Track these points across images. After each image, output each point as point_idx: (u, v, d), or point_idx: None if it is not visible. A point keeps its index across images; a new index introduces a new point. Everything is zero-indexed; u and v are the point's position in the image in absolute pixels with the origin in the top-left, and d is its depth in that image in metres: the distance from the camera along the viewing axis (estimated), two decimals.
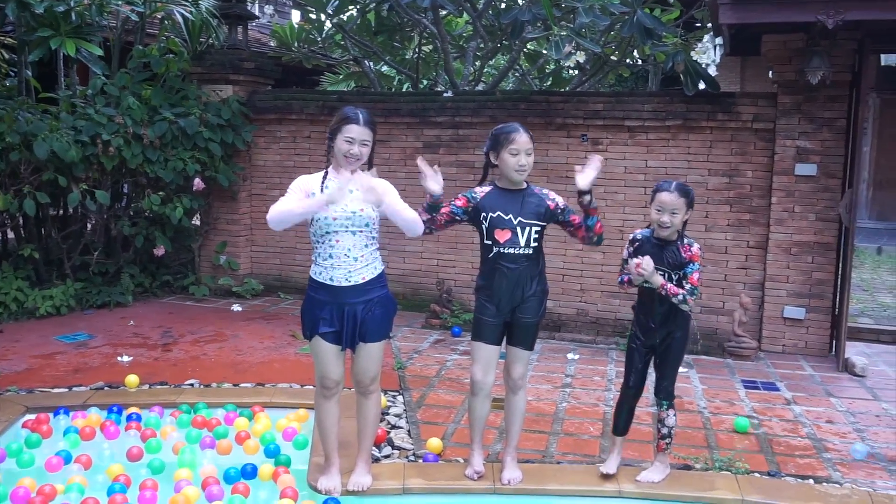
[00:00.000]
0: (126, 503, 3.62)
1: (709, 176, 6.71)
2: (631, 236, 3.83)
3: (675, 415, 3.90)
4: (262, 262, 8.36)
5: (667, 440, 3.90)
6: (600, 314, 7.11)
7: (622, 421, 3.96)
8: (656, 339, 3.80)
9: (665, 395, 3.86)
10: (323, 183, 3.63)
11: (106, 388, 5.20)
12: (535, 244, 3.73)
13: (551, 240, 6.15)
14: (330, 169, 3.67)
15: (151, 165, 7.25)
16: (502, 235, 3.69)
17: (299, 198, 3.58)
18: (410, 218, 3.66)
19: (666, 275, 3.68)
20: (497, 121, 7.14)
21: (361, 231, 3.64)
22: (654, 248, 3.71)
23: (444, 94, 7.70)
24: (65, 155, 6.53)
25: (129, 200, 7.80)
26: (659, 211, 3.64)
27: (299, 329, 3.94)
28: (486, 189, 3.78)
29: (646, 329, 3.80)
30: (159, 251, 7.65)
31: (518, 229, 3.69)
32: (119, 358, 5.84)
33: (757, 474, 4.10)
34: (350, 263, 3.63)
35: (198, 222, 8.37)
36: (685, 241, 3.72)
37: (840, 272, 6.36)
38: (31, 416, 4.62)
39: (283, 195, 3.64)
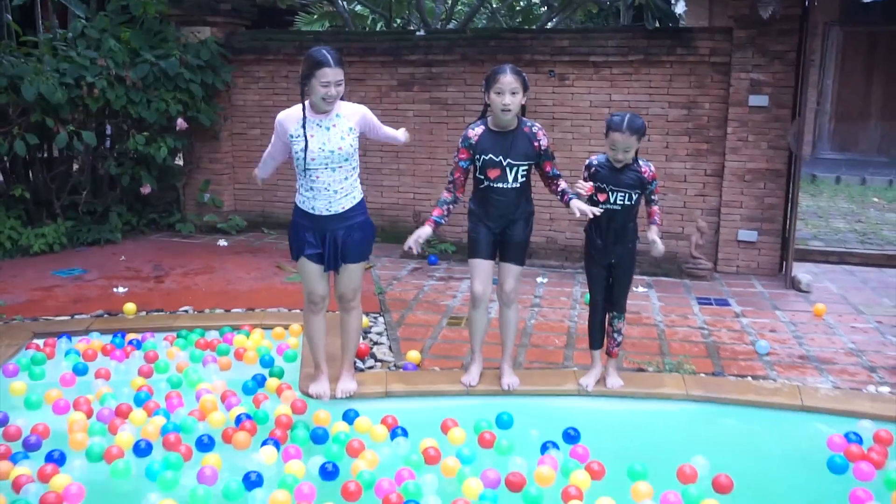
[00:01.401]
0: (159, 409, 4.04)
1: (669, 108, 7.08)
2: (587, 162, 4.18)
3: (625, 325, 4.36)
4: (245, 199, 8.68)
5: (619, 346, 4.35)
6: (568, 242, 7.54)
7: (597, 335, 4.36)
8: (611, 258, 4.20)
9: (619, 308, 4.29)
10: (304, 126, 3.88)
11: (106, 316, 5.57)
12: (523, 179, 4.11)
13: None
14: (307, 110, 3.91)
15: (135, 106, 7.50)
16: (493, 174, 4.06)
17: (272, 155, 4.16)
18: (392, 136, 4.25)
19: (625, 195, 4.06)
20: (468, 59, 7.49)
21: (341, 167, 3.96)
22: (610, 172, 4.09)
23: (417, 33, 7.96)
24: (52, 97, 6.75)
25: (112, 141, 8.03)
26: (613, 149, 4.00)
27: (285, 261, 4.29)
28: (479, 131, 4.09)
29: (600, 250, 4.19)
30: (145, 190, 7.94)
31: (507, 169, 4.04)
32: (115, 289, 6.20)
33: (702, 375, 4.59)
34: (330, 196, 3.97)
35: (181, 162, 8.64)
36: (640, 162, 4.09)
37: (789, 197, 6.81)
38: (38, 341, 4.99)
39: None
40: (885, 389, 4.39)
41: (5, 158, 7.36)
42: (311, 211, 3.99)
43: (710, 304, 6.08)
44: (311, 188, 3.96)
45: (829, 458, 3.58)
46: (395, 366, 4.71)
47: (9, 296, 5.98)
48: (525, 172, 4.09)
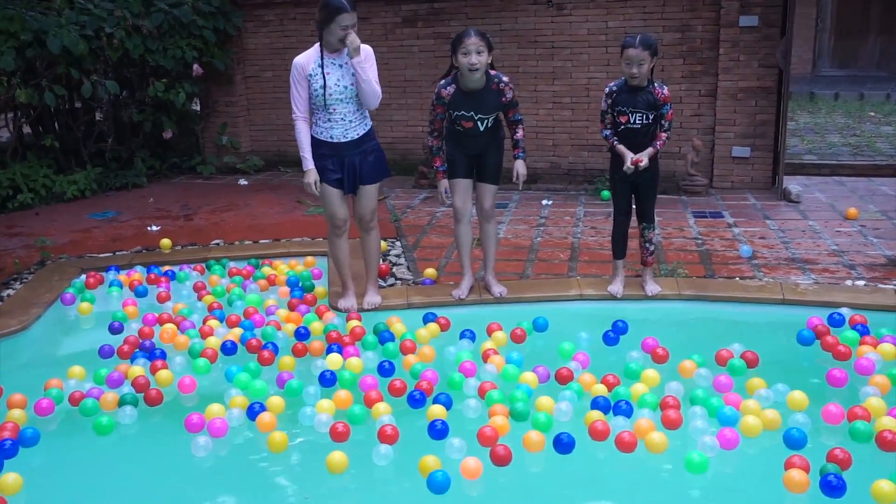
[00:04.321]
0: (241, 322, 4.59)
1: (663, 32, 7.36)
2: (606, 89, 4.50)
3: (657, 234, 4.72)
4: (261, 139, 9.07)
5: (652, 255, 4.75)
6: (571, 166, 7.92)
7: (620, 246, 4.76)
8: (635, 175, 4.49)
9: (648, 219, 4.66)
10: (323, 68, 4.29)
11: (144, 251, 6.04)
12: (493, 125, 4.55)
13: (524, 101, 6.89)
14: (324, 53, 4.31)
15: (153, 55, 7.84)
16: (466, 125, 4.52)
17: (305, 138, 4.41)
18: (374, 90, 4.33)
19: (643, 115, 4.39)
20: None
21: (353, 99, 4.38)
22: (629, 94, 4.41)
23: None
24: (75, 49, 7.10)
25: (133, 89, 8.40)
26: (628, 64, 4.32)
27: (304, 196, 4.70)
28: (451, 90, 4.48)
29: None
30: (167, 135, 8.33)
31: (478, 121, 4.50)
32: (149, 228, 6.66)
33: (694, 278, 5.03)
34: (346, 125, 4.41)
35: (198, 107, 9.01)
36: (655, 84, 4.41)
37: (780, 113, 7.14)
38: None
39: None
40: (861, 283, 4.82)
41: (32, 111, 7.75)
42: (329, 140, 4.42)
43: (706, 216, 6.48)
44: (329, 119, 4.39)
45: (799, 331, 4.09)
46: (413, 282, 5.17)
47: (52, 237, 6.44)
48: (494, 119, 4.55)
